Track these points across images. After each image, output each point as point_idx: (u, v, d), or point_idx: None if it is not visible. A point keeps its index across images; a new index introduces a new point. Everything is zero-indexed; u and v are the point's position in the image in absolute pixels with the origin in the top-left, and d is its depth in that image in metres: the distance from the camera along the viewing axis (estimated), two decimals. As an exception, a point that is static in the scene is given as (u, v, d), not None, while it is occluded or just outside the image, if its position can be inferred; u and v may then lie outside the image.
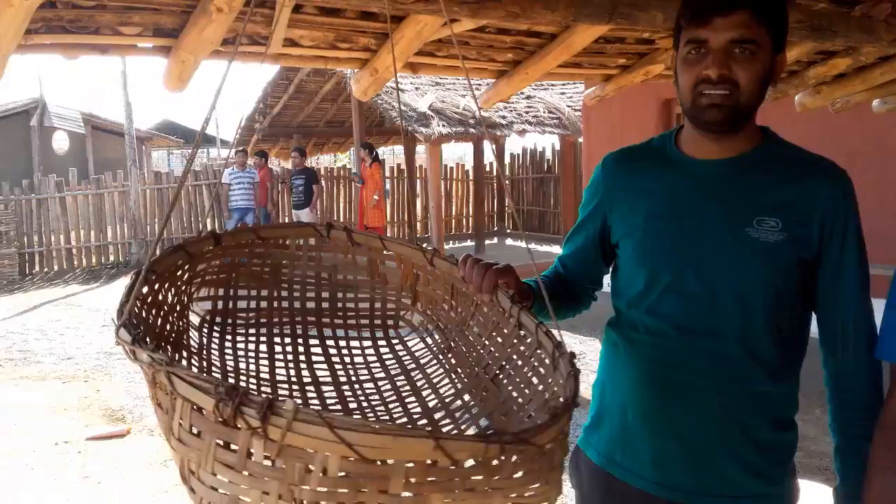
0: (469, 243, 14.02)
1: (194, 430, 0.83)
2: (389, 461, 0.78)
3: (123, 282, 11.37)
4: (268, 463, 0.79)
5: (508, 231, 15.72)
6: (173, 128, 26.50)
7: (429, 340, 1.49)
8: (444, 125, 10.23)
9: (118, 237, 12.45)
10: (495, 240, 15.15)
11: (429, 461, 0.79)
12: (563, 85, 12.22)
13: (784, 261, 1.32)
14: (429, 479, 0.80)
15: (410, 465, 0.78)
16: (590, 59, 2.82)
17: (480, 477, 0.82)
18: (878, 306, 1.35)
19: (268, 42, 2.14)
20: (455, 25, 2.21)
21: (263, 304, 1.49)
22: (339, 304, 1.53)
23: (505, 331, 1.30)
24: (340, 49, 2.36)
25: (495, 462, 0.82)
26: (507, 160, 15.74)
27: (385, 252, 1.51)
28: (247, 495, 0.81)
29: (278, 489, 0.78)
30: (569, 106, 11.95)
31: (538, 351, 1.20)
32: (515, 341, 1.27)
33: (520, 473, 0.86)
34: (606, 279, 1.59)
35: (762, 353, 1.36)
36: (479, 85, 11.06)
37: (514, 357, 1.27)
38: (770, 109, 3.43)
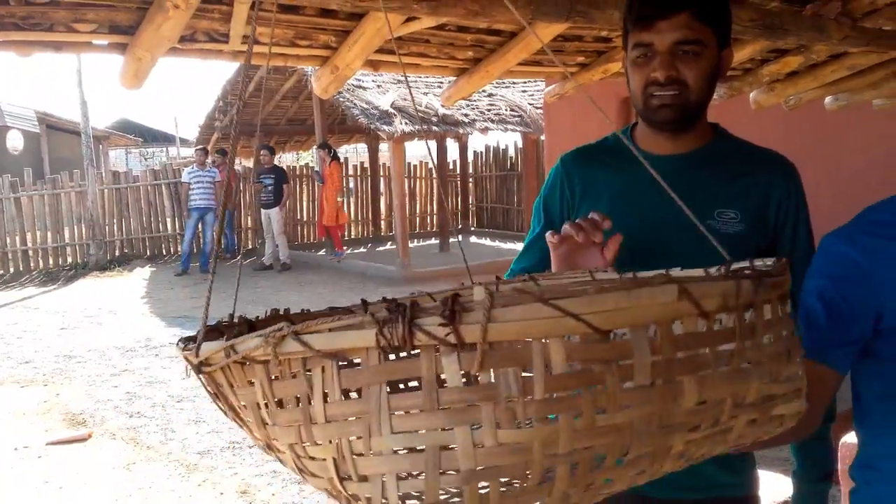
0: (433, 241, 14.04)
1: (352, 394, 0.63)
2: (626, 333, 0.60)
3: (83, 284, 11.21)
4: (471, 384, 0.60)
5: (473, 228, 15.77)
6: (131, 126, 26.08)
7: None
8: (406, 123, 10.22)
9: (76, 238, 12.22)
10: (459, 237, 15.19)
11: (674, 324, 0.62)
12: (525, 83, 12.30)
13: (745, 250, 1.35)
14: (677, 354, 0.62)
15: (653, 333, 0.61)
16: (549, 57, 2.84)
17: (733, 341, 0.65)
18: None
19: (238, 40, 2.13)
20: (415, 23, 2.22)
21: None
22: None
23: None
24: (300, 46, 2.36)
25: (748, 318, 0.66)
26: (470, 158, 15.79)
27: None
28: (451, 441, 0.59)
29: (493, 415, 0.58)
30: (530, 104, 12.04)
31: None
32: None
33: (769, 341, 0.69)
34: None
35: None
36: (441, 83, 11.06)
37: None
38: (726, 107, 3.50)
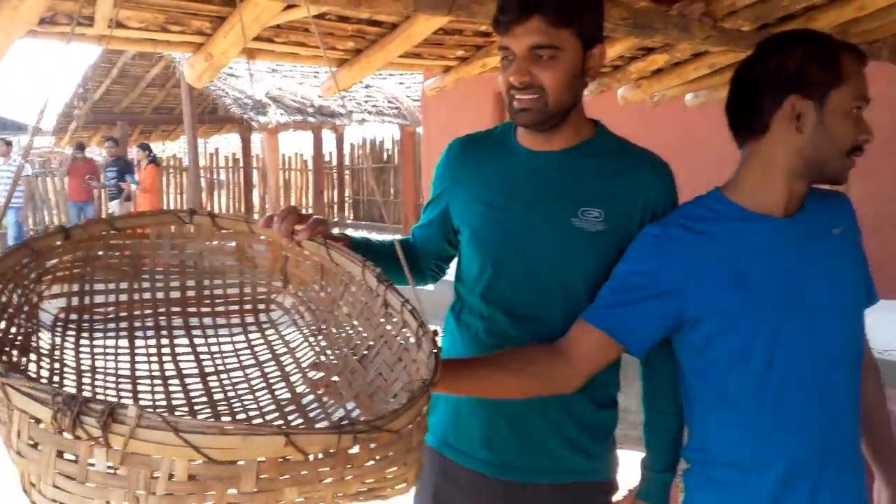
0: (310, 234, 13.83)
1: (32, 442, 0.79)
2: (240, 461, 0.77)
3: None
4: (113, 471, 0.76)
5: (349, 221, 15.66)
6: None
7: (300, 322, 1.46)
8: (282, 113, 10.00)
9: None
10: (336, 230, 15.03)
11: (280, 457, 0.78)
12: (402, 75, 12.31)
13: (605, 249, 1.40)
14: (281, 475, 0.79)
15: (262, 460, 0.77)
16: (429, 49, 2.85)
17: (335, 467, 0.82)
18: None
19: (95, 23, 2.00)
20: (293, 11, 2.17)
21: (123, 297, 1.40)
22: (207, 292, 1.47)
23: (373, 310, 1.30)
24: (172, 32, 2.25)
25: (353, 451, 0.82)
26: (346, 150, 15.64)
27: (252, 235, 1.45)
28: None
29: (123, 498, 0.76)
30: (408, 96, 12.07)
31: (404, 329, 1.21)
32: (382, 320, 1.27)
33: (376, 459, 0.86)
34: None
35: None
36: (317, 73, 10.87)
37: (381, 337, 1.28)
38: (596, 102, 3.63)
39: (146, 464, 0.75)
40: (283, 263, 1.47)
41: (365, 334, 1.32)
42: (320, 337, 1.41)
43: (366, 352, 1.31)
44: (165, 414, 0.80)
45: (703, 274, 1.28)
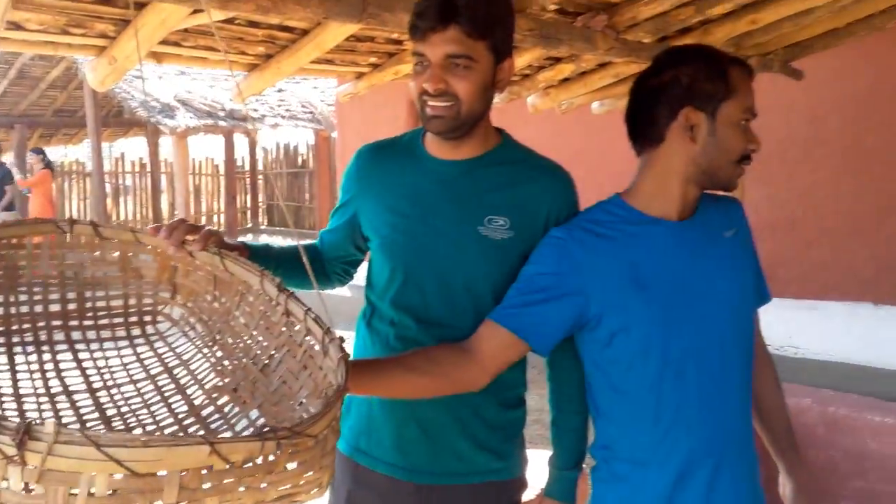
0: (222, 240, 13.53)
1: None
2: (162, 472, 0.76)
3: None
4: (29, 490, 0.74)
5: (263, 227, 15.39)
6: None
7: (192, 334, 1.43)
8: (191, 117, 9.75)
9: None
10: (249, 236, 14.75)
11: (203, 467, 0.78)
12: (316, 79, 12.20)
13: (511, 257, 1.44)
14: (203, 484, 0.78)
15: (184, 472, 0.77)
16: (342, 56, 2.86)
17: (255, 474, 0.82)
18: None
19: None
20: (201, 15, 2.14)
21: None
22: (89, 304, 1.42)
23: (273, 319, 1.29)
24: (73, 35, 2.18)
25: (272, 458, 0.83)
26: (260, 154, 15.37)
27: (138, 244, 1.42)
28: None
29: None
30: (322, 100, 11.97)
31: (307, 338, 1.21)
32: (284, 329, 1.26)
33: (294, 464, 0.87)
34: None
35: None
36: (228, 76, 10.66)
37: (284, 345, 1.27)
38: (506, 110, 3.71)
39: (64, 481, 0.73)
40: (172, 274, 1.45)
41: (265, 343, 1.31)
42: (216, 348, 1.39)
43: (267, 361, 1.29)
44: (83, 427, 0.78)
45: (604, 275, 1.34)
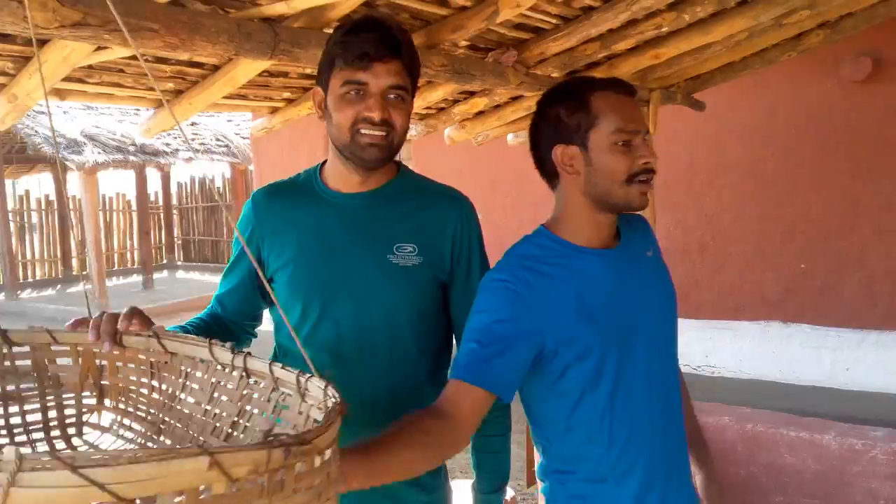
0: (136, 278, 13.09)
1: None
2: (155, 494, 0.62)
3: None
4: None
5: (179, 263, 14.98)
6: None
7: (129, 434, 1.27)
8: (99, 152, 9.45)
9: None
10: (165, 273, 14.33)
11: (202, 487, 0.64)
12: (230, 112, 12.03)
13: (423, 282, 1.47)
14: None
15: (179, 499, 0.63)
16: (255, 91, 2.83)
17: (261, 496, 0.70)
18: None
19: None
20: (105, 52, 2.09)
21: None
22: (1, 422, 1.22)
23: (230, 386, 1.17)
24: (-31, 72, 2.10)
25: (278, 476, 0.71)
26: (174, 189, 15.01)
27: (55, 347, 1.24)
28: None
29: None
30: (237, 133, 11.80)
31: (275, 392, 1.10)
32: (245, 392, 1.15)
33: (302, 489, 0.75)
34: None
35: (413, 369, 1.49)
36: (139, 110, 10.39)
37: (248, 407, 1.15)
38: (424, 142, 3.75)
39: None
40: (97, 375, 1.29)
41: (225, 414, 1.19)
42: (162, 438, 1.25)
43: (230, 430, 1.18)
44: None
45: (555, 310, 1.34)
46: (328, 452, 0.79)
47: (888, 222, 5.18)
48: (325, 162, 1.55)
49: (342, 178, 1.49)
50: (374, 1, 2.14)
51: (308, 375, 1.03)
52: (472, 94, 3.36)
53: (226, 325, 1.57)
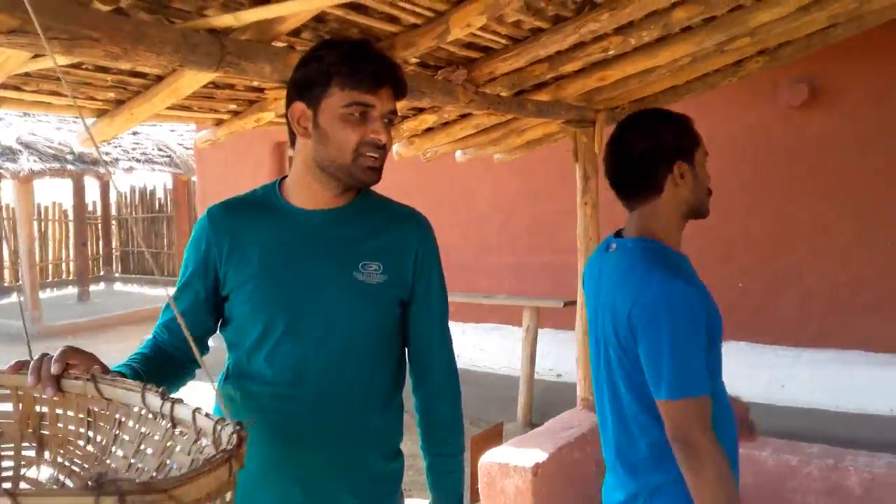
0: (71, 290, 12.69)
1: None
2: None
3: None
4: None
5: (117, 275, 14.58)
6: None
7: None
8: (35, 160, 9.17)
9: None
10: (102, 285, 13.93)
11: None
12: (174, 122, 11.81)
13: (387, 300, 1.46)
14: None
15: None
16: (200, 102, 2.77)
17: None
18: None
19: None
20: (43, 60, 2.02)
21: None
22: None
23: (156, 437, 1.12)
24: None
25: None
26: (113, 199, 14.63)
27: None
28: None
29: None
30: (179, 143, 11.58)
31: (198, 442, 1.06)
32: (169, 444, 1.11)
33: None
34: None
35: (374, 387, 1.47)
36: (77, 120, 10.12)
37: (168, 462, 1.11)
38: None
39: None
40: (37, 424, 1.21)
41: (146, 468, 1.14)
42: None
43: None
44: None
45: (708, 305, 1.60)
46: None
47: (823, 243, 5.34)
48: (283, 178, 1.53)
49: (311, 195, 1.47)
50: (325, 16, 2.12)
51: (224, 424, 0.98)
52: (421, 110, 3.36)
53: (171, 355, 1.50)
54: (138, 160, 10.76)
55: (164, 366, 1.44)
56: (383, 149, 1.42)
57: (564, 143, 4.15)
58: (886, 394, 4.94)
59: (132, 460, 1.14)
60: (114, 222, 14.69)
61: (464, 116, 3.54)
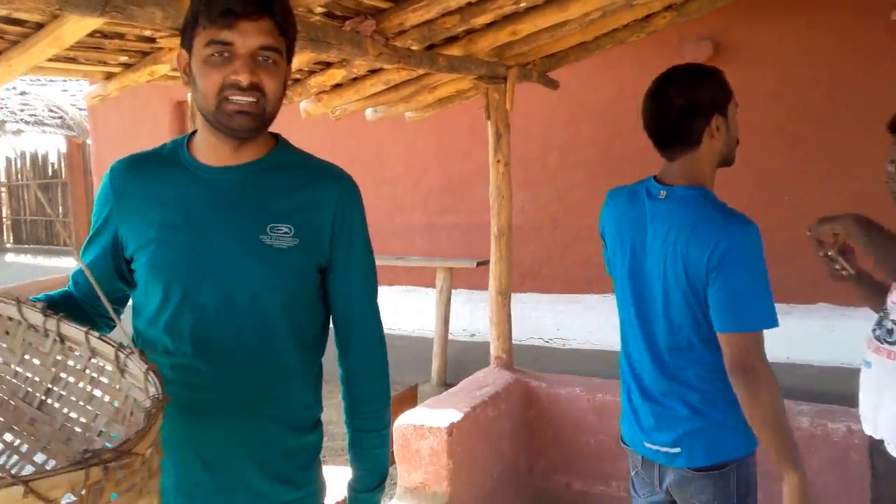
0: (-43, 262, 11.95)
1: None
2: None
3: None
4: None
5: (9, 245, 13.80)
6: None
7: None
8: None
9: None
10: (-8, 257, 13.17)
11: None
12: (66, 81, 11.14)
13: (298, 266, 1.36)
14: None
15: None
16: (87, 54, 2.57)
17: None
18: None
19: None
20: None
21: None
22: None
23: (42, 349, 1.13)
24: None
25: (98, 486, 0.71)
26: (1, 164, 13.77)
27: None
28: None
29: None
30: (73, 104, 10.96)
31: (94, 360, 1.08)
32: (60, 358, 1.12)
33: (122, 491, 0.76)
34: None
35: (284, 358, 1.38)
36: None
37: (63, 375, 1.12)
38: (279, 115, 3.57)
39: None
40: None
41: (37, 378, 1.15)
42: None
43: (43, 397, 1.14)
44: None
45: None
46: (149, 452, 0.79)
47: (725, 194, 5.51)
48: (194, 133, 1.41)
49: (212, 151, 1.35)
50: (220, -42, 1.98)
51: (128, 350, 1.00)
52: (328, 65, 3.23)
53: (80, 305, 1.41)
54: (27, 122, 10.12)
55: (72, 311, 1.32)
56: (255, 90, 1.25)
57: (476, 100, 4.09)
58: (786, 343, 5.18)
59: (17, 368, 1.16)
60: (3, 189, 13.85)
61: (374, 72, 3.43)
